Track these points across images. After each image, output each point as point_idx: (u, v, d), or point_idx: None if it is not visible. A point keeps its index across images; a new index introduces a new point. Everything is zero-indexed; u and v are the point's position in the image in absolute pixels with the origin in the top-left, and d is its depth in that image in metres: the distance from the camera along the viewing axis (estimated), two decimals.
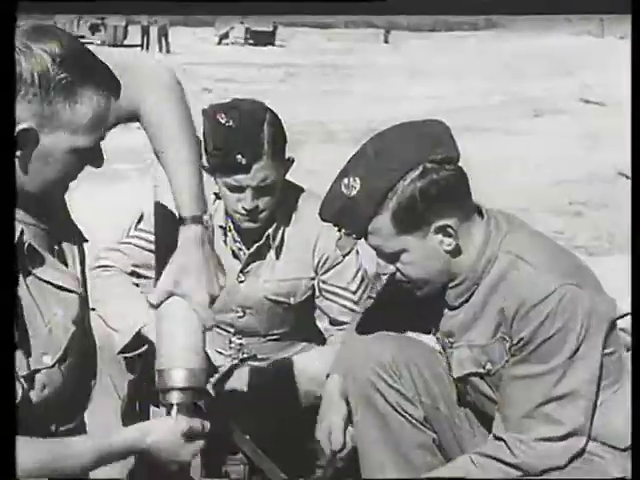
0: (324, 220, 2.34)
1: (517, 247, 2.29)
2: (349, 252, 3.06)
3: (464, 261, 2.32)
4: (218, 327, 3.14)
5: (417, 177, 2.21)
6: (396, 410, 2.47)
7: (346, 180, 2.27)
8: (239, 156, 2.80)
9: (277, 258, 3.05)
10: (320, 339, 3.17)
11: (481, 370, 2.32)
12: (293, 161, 2.96)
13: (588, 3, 2.14)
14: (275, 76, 13.29)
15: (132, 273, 2.92)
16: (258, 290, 3.09)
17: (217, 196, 2.97)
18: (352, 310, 2.96)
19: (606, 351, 2.25)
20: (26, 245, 1.77)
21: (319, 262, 3.07)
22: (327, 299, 3.05)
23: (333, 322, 3.05)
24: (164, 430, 1.89)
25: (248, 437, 2.70)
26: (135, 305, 2.78)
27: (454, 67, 11.08)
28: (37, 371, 1.83)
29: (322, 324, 3.16)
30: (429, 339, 2.81)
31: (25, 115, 1.73)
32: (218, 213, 3.03)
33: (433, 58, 12.39)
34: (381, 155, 2.27)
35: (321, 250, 3.05)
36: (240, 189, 2.87)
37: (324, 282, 3.05)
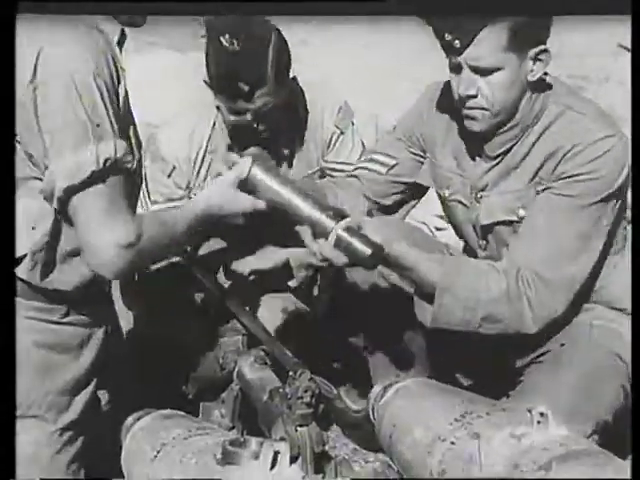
0: (429, 23, 2.35)
1: (565, 99, 2.38)
2: (346, 128, 3.10)
3: (526, 104, 2.38)
4: None
5: None
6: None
7: None
8: (242, 84, 2.76)
9: (290, 167, 3.08)
10: None
11: (513, 217, 2.39)
12: (295, 79, 2.94)
13: (588, 3, 2.15)
14: None
15: None
16: None
17: (218, 109, 2.96)
18: None
19: (625, 215, 2.33)
20: None
21: (323, 149, 3.11)
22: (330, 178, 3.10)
23: None
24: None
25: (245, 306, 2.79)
26: None
27: None
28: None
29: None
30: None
31: None
32: (221, 135, 3.03)
33: None
34: None
35: (324, 137, 3.10)
36: (240, 113, 2.85)
37: (326, 162, 3.11)
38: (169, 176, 3.06)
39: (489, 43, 2.30)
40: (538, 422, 1.89)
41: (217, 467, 1.86)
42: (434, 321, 2.38)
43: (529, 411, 1.91)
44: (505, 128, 2.42)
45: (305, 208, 2.23)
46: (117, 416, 2.28)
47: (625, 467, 1.78)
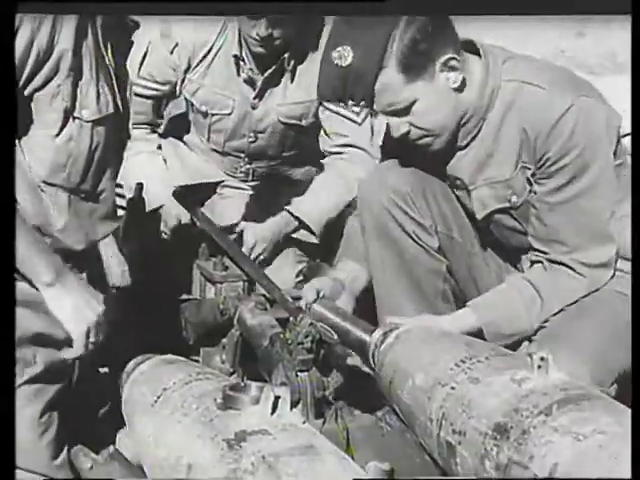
0: (328, 101, 2.35)
1: (519, 73, 2.33)
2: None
3: (469, 97, 2.34)
4: (229, 154, 3.22)
5: (408, 22, 2.23)
6: (412, 238, 2.53)
7: (335, 53, 2.25)
8: None
9: (292, 82, 3.08)
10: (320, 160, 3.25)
11: (506, 205, 2.38)
12: None
13: (588, 3, 2.10)
14: None
15: None
16: (271, 114, 3.14)
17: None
18: (352, 120, 3.02)
19: (617, 162, 2.31)
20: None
21: None
22: (328, 109, 3.11)
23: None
24: None
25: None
26: None
27: None
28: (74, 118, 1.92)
29: (323, 144, 3.23)
30: None
31: None
32: (232, 39, 3.02)
33: None
34: (355, 21, 2.26)
35: None
36: (256, 15, 2.84)
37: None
38: (172, 53, 3.08)
39: (388, 88, 2.26)
40: (538, 367, 1.89)
41: (217, 412, 1.86)
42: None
43: (529, 356, 1.92)
44: (461, 123, 2.40)
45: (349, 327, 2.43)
46: (111, 363, 2.28)
47: (625, 412, 1.79)
